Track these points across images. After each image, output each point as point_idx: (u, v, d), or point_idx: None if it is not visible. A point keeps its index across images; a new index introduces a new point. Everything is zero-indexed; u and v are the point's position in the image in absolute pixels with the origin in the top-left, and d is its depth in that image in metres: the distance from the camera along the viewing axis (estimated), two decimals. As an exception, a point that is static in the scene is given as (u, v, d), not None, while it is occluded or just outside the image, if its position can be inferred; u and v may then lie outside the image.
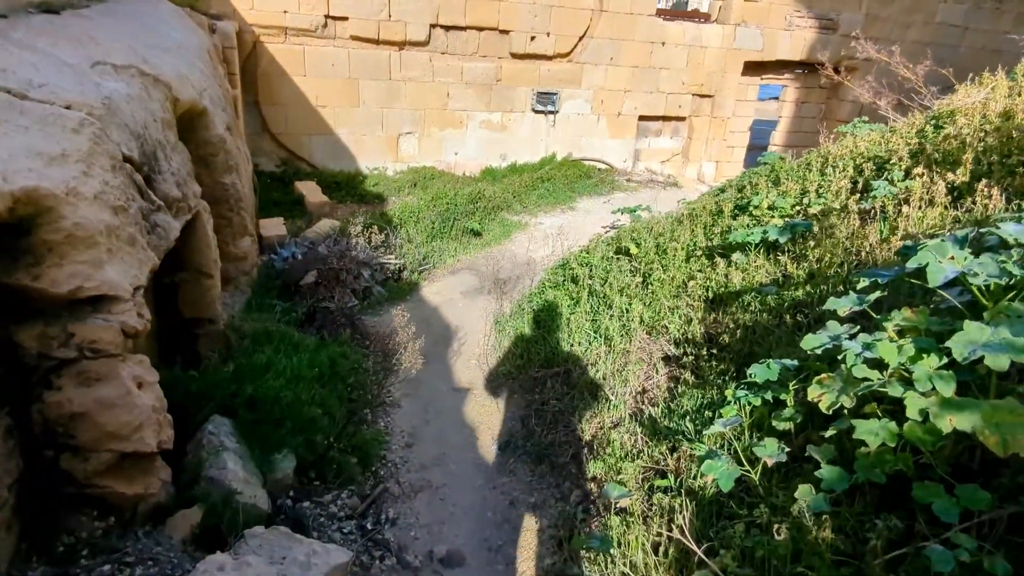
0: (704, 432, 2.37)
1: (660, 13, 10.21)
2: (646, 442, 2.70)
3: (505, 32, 9.33)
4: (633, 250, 4.16)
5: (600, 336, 3.53)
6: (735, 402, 2.29)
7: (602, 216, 8.14)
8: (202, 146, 4.25)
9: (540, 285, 4.80)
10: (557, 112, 10.19)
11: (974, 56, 12.53)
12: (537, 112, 10.07)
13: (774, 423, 2.12)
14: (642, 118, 10.98)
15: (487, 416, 3.81)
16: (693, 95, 11.09)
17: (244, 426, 2.93)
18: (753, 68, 11.43)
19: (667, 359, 3.12)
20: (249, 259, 4.90)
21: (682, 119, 11.42)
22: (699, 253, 3.68)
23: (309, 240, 5.81)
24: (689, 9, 12.42)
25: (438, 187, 8.67)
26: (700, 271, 3.51)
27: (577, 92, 10.20)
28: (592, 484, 2.91)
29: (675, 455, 2.50)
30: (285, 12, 8.09)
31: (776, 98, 13.07)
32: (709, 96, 11.19)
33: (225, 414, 2.97)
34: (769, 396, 2.22)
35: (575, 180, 9.11)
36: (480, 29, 9.19)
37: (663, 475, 2.44)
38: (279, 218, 7.07)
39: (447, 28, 9.00)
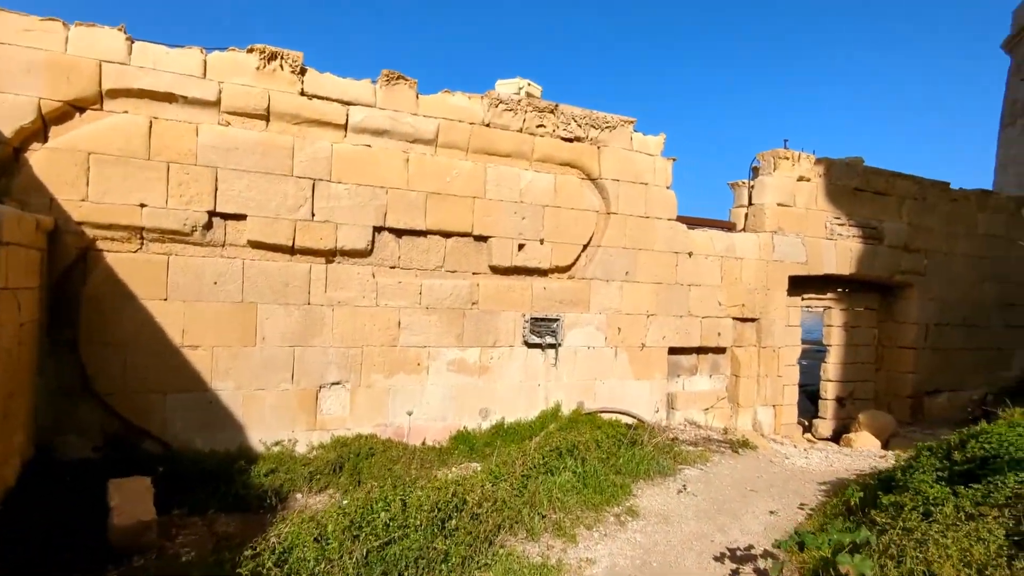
0: None
1: (683, 219, 7.90)
2: None
3: (483, 239, 6.62)
4: None
5: None
6: None
7: (697, 527, 4.27)
8: None
9: None
10: (559, 345, 7.03)
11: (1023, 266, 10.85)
12: (531, 346, 6.89)
13: None
14: (672, 350, 7.91)
15: None
16: (734, 319, 8.28)
17: None
18: (795, 285, 8.96)
19: None
20: None
21: (722, 350, 8.41)
22: None
23: None
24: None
25: (376, 475, 4.86)
26: None
27: (585, 317, 7.21)
28: None
29: None
30: (142, 206, 5.17)
31: (821, 345, 10.49)
32: (752, 320, 8.41)
33: None
34: None
35: (613, 450, 5.38)
36: (447, 235, 6.46)
37: None
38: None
39: (399, 232, 6.22)
